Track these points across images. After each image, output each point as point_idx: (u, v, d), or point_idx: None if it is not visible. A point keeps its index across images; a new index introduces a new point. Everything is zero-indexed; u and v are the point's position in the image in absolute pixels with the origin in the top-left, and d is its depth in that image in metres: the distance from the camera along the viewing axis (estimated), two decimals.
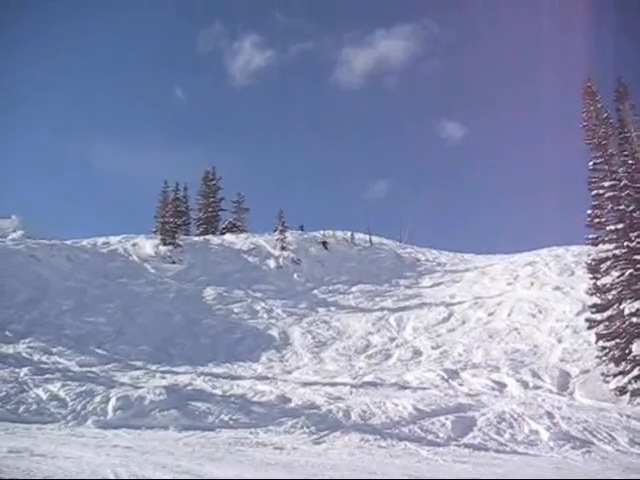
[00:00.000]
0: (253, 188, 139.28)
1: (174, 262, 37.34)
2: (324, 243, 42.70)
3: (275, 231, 41.98)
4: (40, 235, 37.09)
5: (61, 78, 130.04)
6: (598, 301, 22.19)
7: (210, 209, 48.96)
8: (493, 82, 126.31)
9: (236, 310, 31.22)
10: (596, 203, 22.90)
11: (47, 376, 19.21)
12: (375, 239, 45.72)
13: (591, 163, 23.52)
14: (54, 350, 23.33)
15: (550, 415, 15.47)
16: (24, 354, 22.32)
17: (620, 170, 22.69)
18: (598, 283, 22.26)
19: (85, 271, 33.33)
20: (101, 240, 40.02)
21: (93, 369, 21.37)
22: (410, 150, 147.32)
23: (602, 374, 20.78)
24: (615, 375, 20.51)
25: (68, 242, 37.90)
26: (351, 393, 19.12)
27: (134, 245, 39.56)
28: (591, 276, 22.78)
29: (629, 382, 19.92)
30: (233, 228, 47.55)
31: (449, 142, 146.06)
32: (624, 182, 22.24)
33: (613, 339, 21.22)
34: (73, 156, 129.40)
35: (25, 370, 19.44)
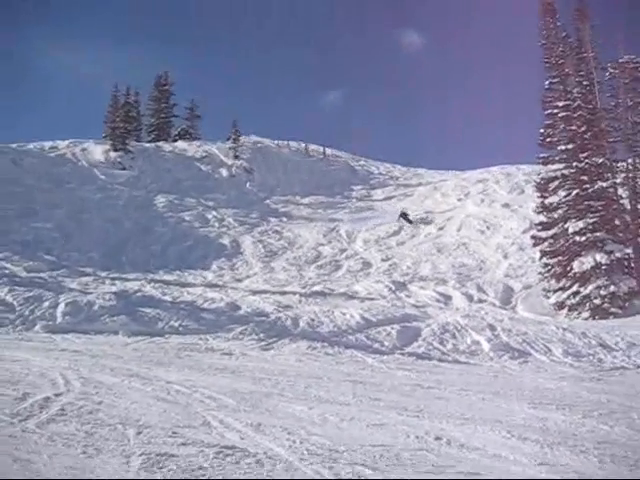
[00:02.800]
0: (206, 95, 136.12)
1: (124, 168, 36.66)
2: (405, 216, 31.82)
3: (228, 139, 41.35)
4: None
5: None
6: (544, 219, 22.75)
7: (162, 115, 47.79)
8: None
9: (187, 218, 31.06)
10: (549, 122, 23.11)
11: None
12: (329, 151, 45.51)
13: (547, 82, 23.57)
14: (0, 255, 22.96)
15: (492, 327, 16.00)
16: None
17: (575, 90, 22.79)
18: (545, 202, 22.75)
19: (32, 176, 32.49)
20: (48, 144, 38.90)
21: (41, 275, 21.17)
22: (366, 59, 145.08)
23: (543, 289, 21.55)
24: (555, 291, 21.28)
25: (13, 145, 36.73)
26: (300, 302, 19.42)
27: (83, 150, 38.61)
28: (539, 195, 23.24)
29: (568, 297, 20.72)
30: (186, 135, 46.65)
31: (406, 51, 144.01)
32: (578, 102, 22.40)
33: (556, 256, 21.90)
34: (15, 53, 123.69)
35: None
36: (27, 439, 5.73)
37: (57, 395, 7.63)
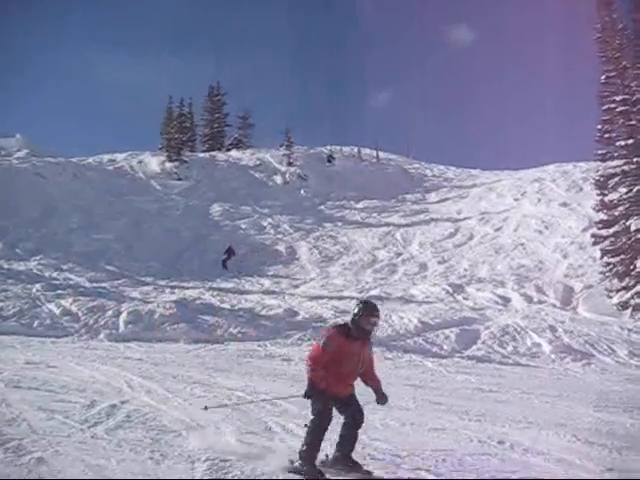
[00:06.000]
0: (258, 104, 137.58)
1: (180, 179, 37.31)
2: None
3: (281, 147, 41.69)
4: (45, 153, 36.98)
5: None
6: (604, 217, 22.18)
7: (216, 125, 48.45)
8: None
9: (243, 226, 31.40)
10: (607, 118, 22.51)
11: (59, 292, 19.57)
12: (382, 155, 45.37)
13: (603, 76, 22.97)
14: (64, 267, 23.66)
15: (552, 329, 15.74)
16: (35, 271, 22.68)
17: (633, 84, 22.16)
18: (605, 199, 22.18)
19: (92, 189, 33.37)
20: (107, 157, 39.92)
21: (103, 285, 21.71)
22: (415, 57, 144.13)
23: (605, 289, 20.99)
24: (618, 290, 20.71)
25: (74, 160, 37.83)
26: None
27: (140, 162, 39.48)
28: (598, 192, 22.69)
29: (632, 297, 20.13)
30: (239, 144, 47.18)
31: (456, 47, 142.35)
32: (637, 96, 21.79)
33: (618, 255, 21.33)
34: (75, 70, 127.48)
35: (37, 286, 19.78)
36: (96, 445, 5.90)
37: (123, 402, 7.84)
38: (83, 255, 25.43)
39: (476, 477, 4.88)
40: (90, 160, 38.95)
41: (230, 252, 26.49)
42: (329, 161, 41.81)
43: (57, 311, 17.46)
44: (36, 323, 16.67)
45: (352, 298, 20.77)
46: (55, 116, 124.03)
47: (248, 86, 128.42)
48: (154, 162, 39.35)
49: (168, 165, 38.69)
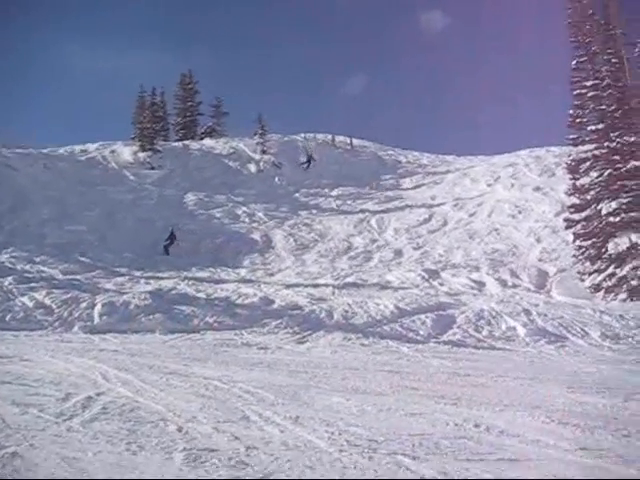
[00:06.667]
0: (231, 92, 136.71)
1: (154, 168, 36.97)
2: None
3: (255, 135, 41.46)
4: (15, 144, 36.38)
5: None
6: (577, 201, 22.42)
7: (188, 114, 47.99)
8: None
9: (218, 215, 31.24)
10: (578, 103, 22.70)
11: (32, 284, 19.34)
12: (356, 142, 45.33)
13: (574, 62, 23.13)
14: (37, 259, 23.38)
15: (527, 312, 15.90)
16: (7, 264, 22.36)
17: (603, 69, 22.36)
18: (577, 183, 22.41)
19: (64, 180, 32.97)
20: (78, 148, 39.40)
21: (77, 277, 21.48)
22: (387, 42, 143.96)
23: (578, 272, 21.27)
24: (590, 273, 20.99)
25: (44, 151, 37.29)
26: (333, 294, 19.47)
27: (112, 152, 39.04)
28: (570, 177, 22.92)
29: (604, 280, 20.42)
30: (212, 133, 46.82)
31: (429, 33, 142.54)
32: (607, 81, 21.99)
33: (590, 238, 21.59)
34: (44, 60, 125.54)
35: (9, 279, 19.52)
36: (72, 438, 5.86)
37: (98, 394, 7.78)
38: (56, 247, 25.13)
39: (476, 476, 4.91)
40: (61, 151, 38.41)
41: (172, 237, 26.29)
42: (308, 162, 39.03)
43: (30, 304, 17.26)
44: (9, 317, 16.47)
45: (328, 285, 20.86)
46: (24, 107, 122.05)
47: (220, 76, 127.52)
48: (127, 152, 38.93)
49: (141, 155, 38.31)
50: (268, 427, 6.30)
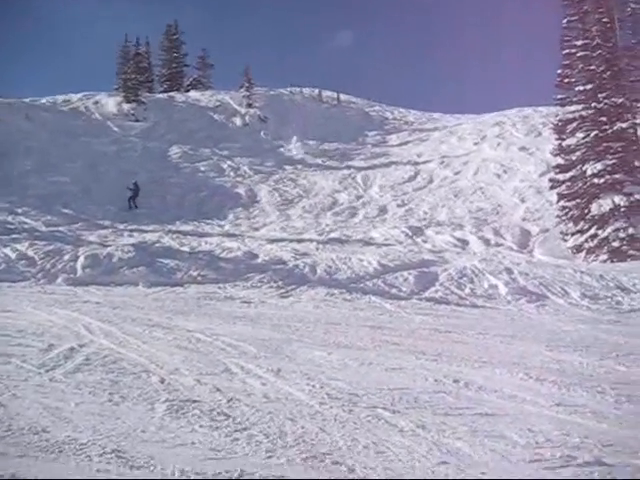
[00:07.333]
0: (218, 44, 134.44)
1: (138, 120, 36.50)
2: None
3: (241, 88, 40.93)
4: None
5: None
6: (562, 162, 22.48)
7: (174, 65, 47.22)
8: None
9: (202, 168, 31.03)
10: (567, 63, 22.57)
11: (14, 236, 19.23)
12: (343, 97, 44.91)
13: (565, 21, 22.93)
14: (19, 210, 23.19)
15: (509, 271, 16.02)
16: None
17: (594, 29, 22.16)
18: (563, 144, 22.44)
19: (46, 130, 32.48)
20: (61, 98, 38.72)
21: (60, 228, 21.37)
22: None
23: (561, 233, 21.44)
24: (573, 234, 21.17)
25: (26, 100, 36.63)
26: (317, 249, 19.49)
27: (96, 103, 38.44)
28: (557, 137, 22.91)
29: (585, 240, 20.62)
30: (198, 85, 46.17)
31: None
32: (597, 41, 21.83)
33: (574, 199, 21.72)
34: (26, 8, 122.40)
35: None
36: (55, 388, 5.89)
37: (81, 346, 7.80)
38: (39, 198, 24.90)
39: (453, 429, 5.00)
40: (43, 101, 37.74)
41: (136, 189, 25.97)
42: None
43: (13, 255, 17.12)
44: None
45: (312, 241, 20.88)
46: (4, 57, 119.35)
47: (207, 28, 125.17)
48: (111, 103, 38.35)
49: (125, 106, 37.75)
50: (250, 380, 6.36)
